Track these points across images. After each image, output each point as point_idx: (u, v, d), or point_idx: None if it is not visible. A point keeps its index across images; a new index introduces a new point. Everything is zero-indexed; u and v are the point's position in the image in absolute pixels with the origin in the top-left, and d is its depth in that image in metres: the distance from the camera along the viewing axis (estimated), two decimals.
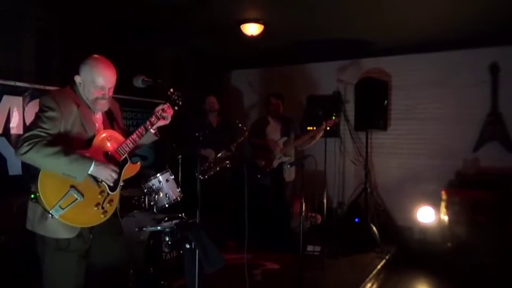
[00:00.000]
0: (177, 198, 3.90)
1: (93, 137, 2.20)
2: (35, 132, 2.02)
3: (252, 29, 4.52)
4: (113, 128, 2.35)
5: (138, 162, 2.42)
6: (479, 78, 5.11)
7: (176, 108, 2.40)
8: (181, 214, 3.76)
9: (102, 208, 2.18)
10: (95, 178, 2.13)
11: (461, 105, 5.24)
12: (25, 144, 1.97)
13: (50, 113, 2.07)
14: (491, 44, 4.98)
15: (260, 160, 4.99)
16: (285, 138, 5.02)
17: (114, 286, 2.37)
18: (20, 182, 3.70)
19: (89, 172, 2.07)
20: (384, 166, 5.76)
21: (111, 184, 2.18)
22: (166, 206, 3.85)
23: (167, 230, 2.19)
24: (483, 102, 5.09)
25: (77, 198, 2.05)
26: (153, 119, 2.33)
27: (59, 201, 2.01)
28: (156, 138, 2.47)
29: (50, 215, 2.01)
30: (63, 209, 2.01)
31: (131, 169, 2.36)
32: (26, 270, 3.43)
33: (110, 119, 2.37)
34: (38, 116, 2.09)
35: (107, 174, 2.13)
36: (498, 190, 4.48)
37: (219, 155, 4.56)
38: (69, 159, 2.01)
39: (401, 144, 5.67)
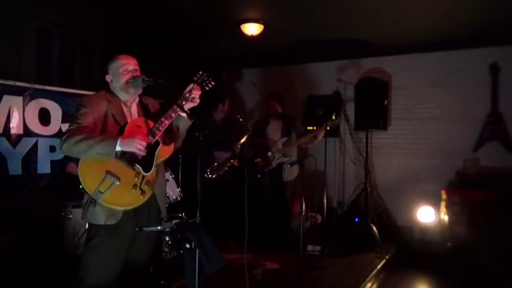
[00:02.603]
0: (177, 198, 3.90)
1: (124, 125, 2.35)
2: (70, 127, 2.28)
3: (252, 29, 4.52)
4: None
5: (172, 144, 2.48)
6: (479, 78, 5.11)
7: (207, 88, 2.47)
8: (182, 214, 3.76)
9: (140, 189, 2.29)
10: (128, 161, 2.24)
11: (462, 105, 5.24)
12: (62, 139, 2.24)
13: (81, 110, 2.32)
14: (491, 44, 4.99)
15: (259, 160, 4.99)
16: (284, 139, 5.02)
17: (136, 280, 2.48)
18: (20, 182, 3.72)
19: (117, 147, 2.20)
20: (384, 166, 5.76)
21: (144, 153, 2.27)
22: (166, 205, 3.84)
23: (167, 229, 2.19)
24: (483, 102, 5.09)
25: (113, 182, 2.18)
26: (180, 101, 2.38)
27: (98, 186, 2.16)
28: (190, 122, 2.51)
29: (94, 201, 2.18)
30: (102, 193, 2.16)
31: (165, 151, 2.43)
32: (26, 270, 3.44)
33: (145, 113, 2.50)
34: (74, 116, 2.35)
35: (135, 147, 2.23)
36: (498, 190, 4.48)
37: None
38: (97, 139, 2.20)
39: (401, 144, 5.67)
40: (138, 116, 2.49)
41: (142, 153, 2.27)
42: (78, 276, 2.27)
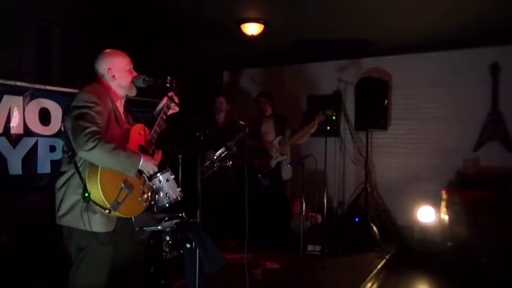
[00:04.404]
0: (177, 198, 3.87)
1: (127, 130, 2.34)
2: (95, 128, 2.07)
3: (252, 28, 4.52)
4: (128, 120, 2.48)
5: (160, 151, 2.57)
6: (479, 78, 5.11)
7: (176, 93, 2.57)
8: (182, 214, 3.76)
9: (145, 197, 2.37)
10: (138, 171, 2.27)
11: (462, 104, 5.23)
12: (90, 140, 2.02)
13: (97, 108, 2.14)
14: (491, 44, 4.98)
15: (257, 162, 4.97)
16: (279, 137, 5.01)
17: (124, 282, 2.46)
18: (20, 182, 3.72)
19: (139, 167, 2.23)
20: (384, 166, 5.76)
21: (149, 175, 2.36)
22: (167, 205, 3.83)
23: (167, 229, 2.21)
24: (483, 102, 5.08)
25: (128, 192, 2.20)
26: (166, 110, 2.51)
27: (116, 197, 2.14)
28: (165, 125, 2.61)
29: (108, 211, 2.12)
30: (120, 203, 2.15)
31: (158, 158, 2.55)
32: (26, 270, 3.44)
33: (127, 112, 2.51)
34: (86, 113, 2.10)
35: (150, 167, 2.31)
36: (498, 190, 4.47)
37: (218, 153, 4.58)
38: (125, 154, 2.14)
39: (401, 143, 5.67)
40: (127, 116, 2.48)
41: (149, 175, 2.34)
42: (72, 280, 2.24)
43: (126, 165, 2.15)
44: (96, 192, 2.09)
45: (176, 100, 2.48)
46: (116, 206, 2.12)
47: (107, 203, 2.10)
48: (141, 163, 2.22)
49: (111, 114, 2.27)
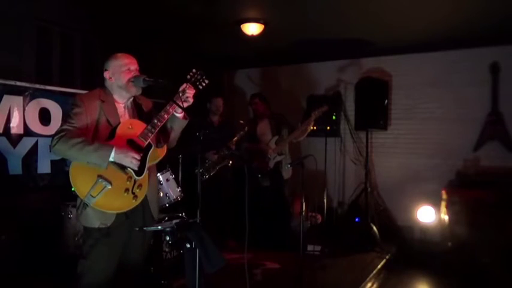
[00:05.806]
0: (177, 197, 3.90)
1: (115, 127, 2.32)
2: (63, 127, 2.24)
3: (252, 28, 4.52)
4: (141, 121, 2.42)
5: (164, 146, 2.48)
6: (479, 78, 5.11)
7: (200, 87, 2.46)
8: (182, 214, 3.76)
9: (133, 193, 2.30)
10: (120, 166, 2.24)
11: (462, 104, 5.24)
12: (55, 138, 2.20)
13: (75, 109, 2.28)
14: (491, 44, 4.98)
15: (255, 164, 4.94)
16: (276, 137, 4.99)
17: (133, 280, 2.50)
18: (20, 182, 3.72)
19: (111, 159, 2.19)
20: (384, 166, 5.76)
21: (136, 169, 2.28)
22: (167, 205, 3.85)
23: (168, 229, 2.19)
24: (483, 102, 5.09)
25: (105, 186, 2.18)
26: (172, 103, 2.38)
27: (89, 191, 2.15)
28: (186, 121, 2.50)
29: (85, 204, 2.18)
30: (94, 197, 2.16)
31: (157, 153, 2.44)
32: (27, 270, 3.44)
33: (139, 113, 2.48)
34: (67, 115, 2.32)
35: (129, 161, 2.24)
36: (498, 190, 4.47)
37: (219, 153, 4.58)
38: (92, 148, 2.17)
39: (401, 143, 5.67)
40: (133, 116, 2.45)
41: (135, 168, 2.26)
42: (77, 275, 2.31)
43: (93, 159, 2.17)
44: (73, 185, 2.18)
45: (188, 93, 2.37)
46: (89, 199, 2.15)
47: (80, 196, 2.16)
48: (112, 155, 2.18)
49: (101, 116, 2.31)
